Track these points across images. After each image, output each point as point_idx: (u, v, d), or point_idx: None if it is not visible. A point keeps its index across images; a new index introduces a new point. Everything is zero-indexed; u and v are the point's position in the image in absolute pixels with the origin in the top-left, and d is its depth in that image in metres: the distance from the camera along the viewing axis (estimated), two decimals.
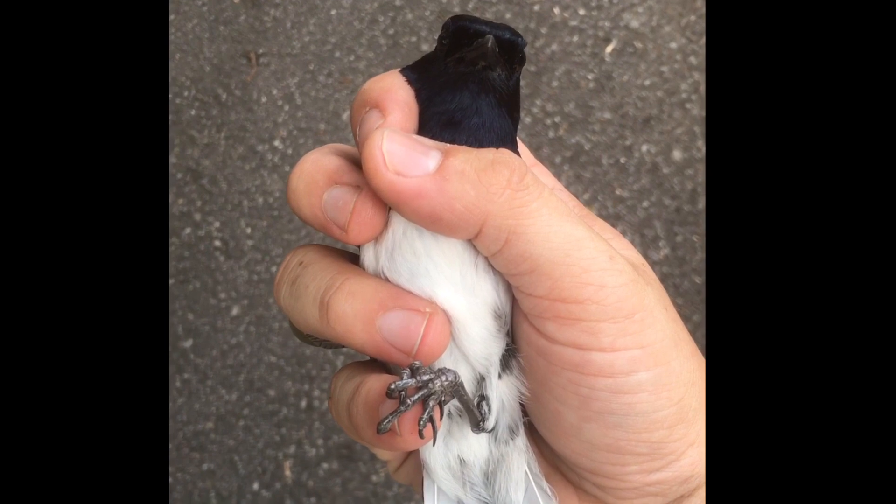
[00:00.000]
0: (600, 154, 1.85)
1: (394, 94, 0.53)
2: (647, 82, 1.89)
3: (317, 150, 0.57)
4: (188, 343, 1.63)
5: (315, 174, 0.54)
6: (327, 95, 1.90)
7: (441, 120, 0.53)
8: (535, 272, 0.49)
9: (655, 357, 0.49)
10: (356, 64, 1.93)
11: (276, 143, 1.84)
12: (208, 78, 1.92)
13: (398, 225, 0.53)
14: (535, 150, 1.85)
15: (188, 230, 1.76)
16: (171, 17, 1.97)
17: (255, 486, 1.49)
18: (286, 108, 1.89)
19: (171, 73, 1.92)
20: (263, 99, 1.90)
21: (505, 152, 0.51)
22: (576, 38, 1.94)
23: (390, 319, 0.51)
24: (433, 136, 0.53)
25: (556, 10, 1.96)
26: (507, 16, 1.95)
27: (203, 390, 1.58)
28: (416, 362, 0.51)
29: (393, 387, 0.48)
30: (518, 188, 0.49)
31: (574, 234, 0.49)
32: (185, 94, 1.90)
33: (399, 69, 0.56)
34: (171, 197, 1.79)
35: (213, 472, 1.52)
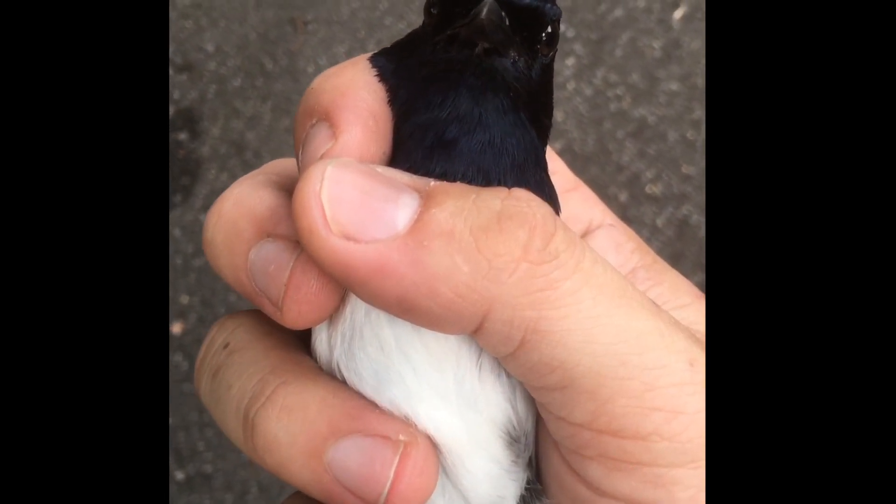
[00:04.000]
0: (666, 128, 1.73)
1: (353, 99, 0.36)
2: None
3: (248, 177, 0.39)
4: None
5: (238, 221, 0.36)
6: None
7: (426, 139, 0.35)
8: (570, 389, 0.32)
9: None
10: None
11: None
12: (253, 46, 1.85)
13: (358, 302, 0.36)
14: (596, 125, 1.74)
15: None
16: None
17: None
18: None
19: (216, 42, 1.85)
20: (310, 69, 1.82)
21: (521, 196, 0.33)
22: (642, 3, 1.82)
23: (345, 451, 0.35)
24: (413, 168, 0.35)
25: None
26: None
27: None
28: None
29: None
30: (541, 259, 0.31)
31: (633, 328, 0.32)
32: (230, 63, 1.84)
33: (370, 55, 0.39)
34: (214, 172, 1.74)
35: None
